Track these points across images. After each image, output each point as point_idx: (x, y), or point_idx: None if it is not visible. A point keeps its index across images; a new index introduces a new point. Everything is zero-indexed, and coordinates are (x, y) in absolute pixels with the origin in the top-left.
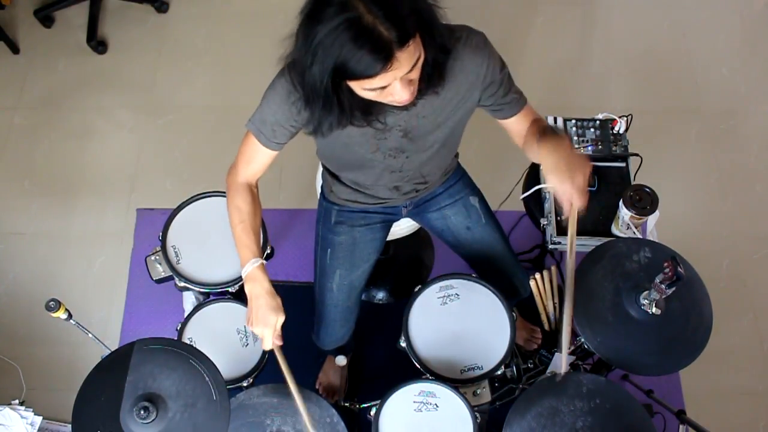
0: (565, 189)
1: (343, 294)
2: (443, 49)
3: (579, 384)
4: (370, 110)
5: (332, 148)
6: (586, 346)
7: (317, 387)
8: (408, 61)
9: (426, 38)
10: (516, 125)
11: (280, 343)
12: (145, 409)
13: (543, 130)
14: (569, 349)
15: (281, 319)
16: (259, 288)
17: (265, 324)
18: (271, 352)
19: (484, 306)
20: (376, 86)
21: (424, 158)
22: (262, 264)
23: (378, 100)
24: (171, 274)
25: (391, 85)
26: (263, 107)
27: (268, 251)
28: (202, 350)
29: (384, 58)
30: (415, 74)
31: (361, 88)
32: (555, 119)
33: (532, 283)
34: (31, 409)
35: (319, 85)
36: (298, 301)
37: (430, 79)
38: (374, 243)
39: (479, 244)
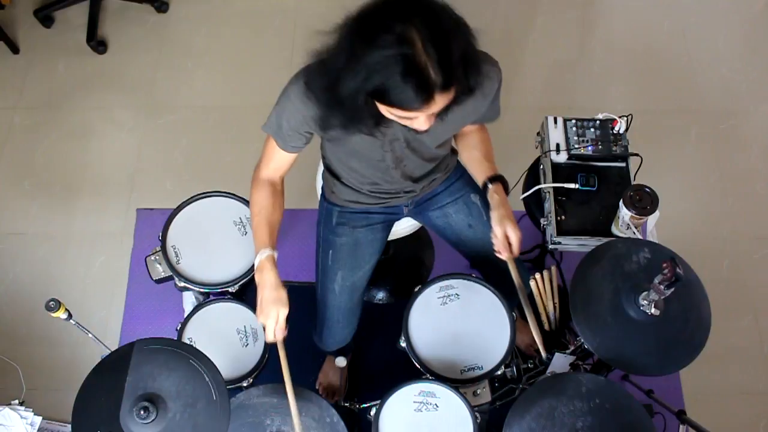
0: (510, 234)
1: (345, 295)
2: (470, 90)
3: (579, 384)
4: (380, 123)
5: (340, 153)
6: (585, 347)
7: (317, 387)
8: (443, 102)
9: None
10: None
11: (281, 336)
12: (145, 409)
13: (494, 175)
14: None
15: (283, 312)
16: (264, 279)
17: (266, 316)
18: (274, 345)
19: (484, 306)
20: (404, 116)
21: (424, 163)
22: (271, 255)
23: (398, 122)
24: (171, 274)
25: (417, 117)
26: (278, 113)
27: None
28: (202, 350)
29: (425, 98)
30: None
31: (389, 112)
32: (555, 119)
33: (532, 283)
34: (31, 410)
35: (350, 98)
36: (298, 302)
37: (446, 110)
38: (375, 244)
39: (481, 242)
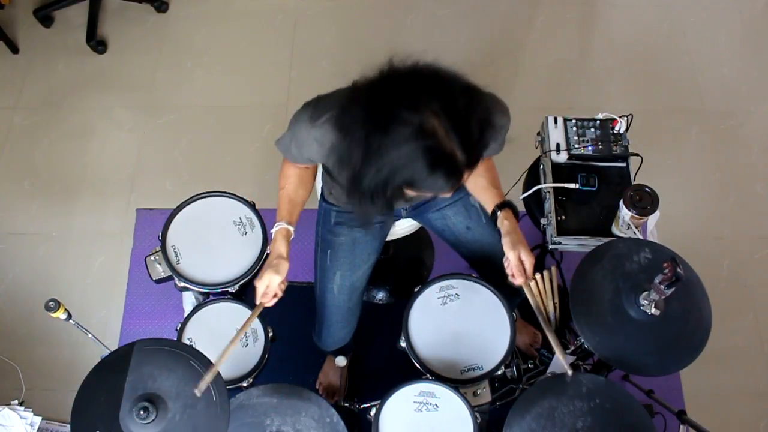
0: (524, 259)
1: (344, 295)
2: (487, 146)
3: (579, 384)
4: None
5: None
6: (585, 347)
7: (317, 387)
8: (470, 173)
9: None
10: None
11: (265, 301)
12: (145, 409)
13: (502, 201)
14: (565, 353)
15: (276, 279)
16: (273, 248)
17: (260, 279)
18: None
19: (484, 306)
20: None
21: None
22: (284, 228)
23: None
24: (171, 274)
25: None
26: (288, 140)
27: (268, 251)
28: (201, 350)
29: (456, 180)
30: None
31: (417, 193)
32: (555, 119)
33: (532, 283)
34: (31, 410)
35: (376, 191)
36: (298, 301)
37: None
38: (374, 243)
39: (479, 244)
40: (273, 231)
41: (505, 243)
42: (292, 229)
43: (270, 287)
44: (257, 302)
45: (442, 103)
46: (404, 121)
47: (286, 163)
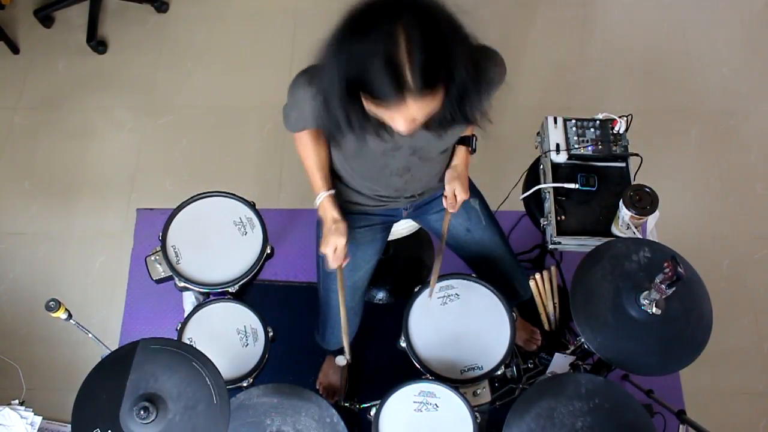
0: (457, 194)
1: (347, 295)
2: (468, 121)
3: (578, 384)
4: (380, 123)
5: (345, 160)
6: (586, 346)
7: (317, 387)
8: (418, 111)
9: (450, 98)
10: None
11: (339, 263)
12: (145, 409)
13: (468, 136)
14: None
15: (341, 241)
16: (326, 215)
17: (326, 245)
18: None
19: (484, 306)
20: (382, 113)
21: (429, 172)
22: (329, 195)
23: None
24: (171, 274)
25: (394, 117)
26: (289, 110)
27: (268, 251)
28: (201, 350)
29: (397, 96)
30: (421, 120)
31: (368, 106)
32: (555, 119)
33: (531, 283)
34: (31, 409)
35: (336, 88)
36: (299, 302)
37: (441, 123)
38: (375, 244)
39: (479, 246)
40: (317, 202)
41: (447, 174)
42: (333, 192)
43: (338, 250)
44: (329, 268)
45: (422, 23)
46: (379, 24)
47: (298, 140)
